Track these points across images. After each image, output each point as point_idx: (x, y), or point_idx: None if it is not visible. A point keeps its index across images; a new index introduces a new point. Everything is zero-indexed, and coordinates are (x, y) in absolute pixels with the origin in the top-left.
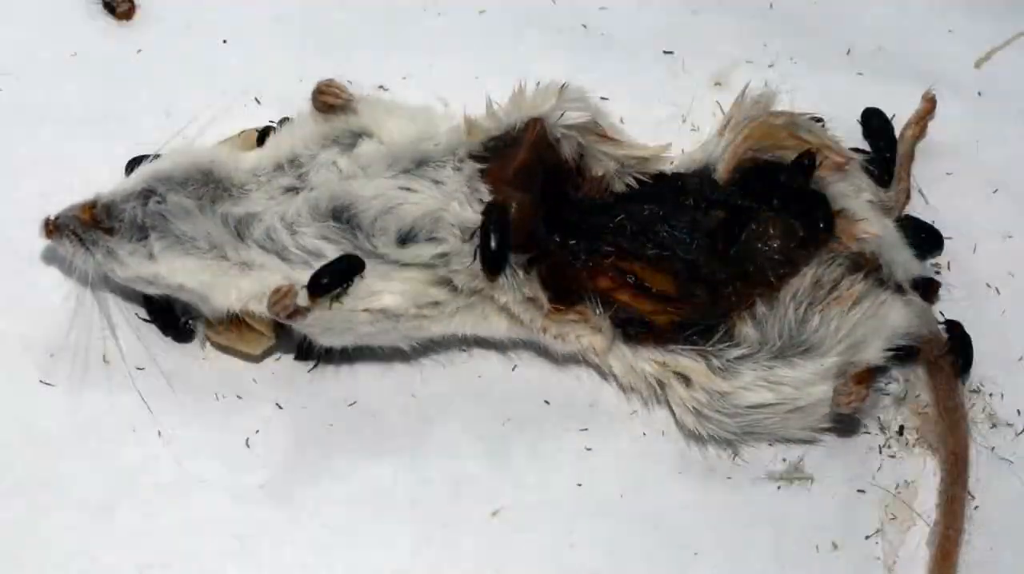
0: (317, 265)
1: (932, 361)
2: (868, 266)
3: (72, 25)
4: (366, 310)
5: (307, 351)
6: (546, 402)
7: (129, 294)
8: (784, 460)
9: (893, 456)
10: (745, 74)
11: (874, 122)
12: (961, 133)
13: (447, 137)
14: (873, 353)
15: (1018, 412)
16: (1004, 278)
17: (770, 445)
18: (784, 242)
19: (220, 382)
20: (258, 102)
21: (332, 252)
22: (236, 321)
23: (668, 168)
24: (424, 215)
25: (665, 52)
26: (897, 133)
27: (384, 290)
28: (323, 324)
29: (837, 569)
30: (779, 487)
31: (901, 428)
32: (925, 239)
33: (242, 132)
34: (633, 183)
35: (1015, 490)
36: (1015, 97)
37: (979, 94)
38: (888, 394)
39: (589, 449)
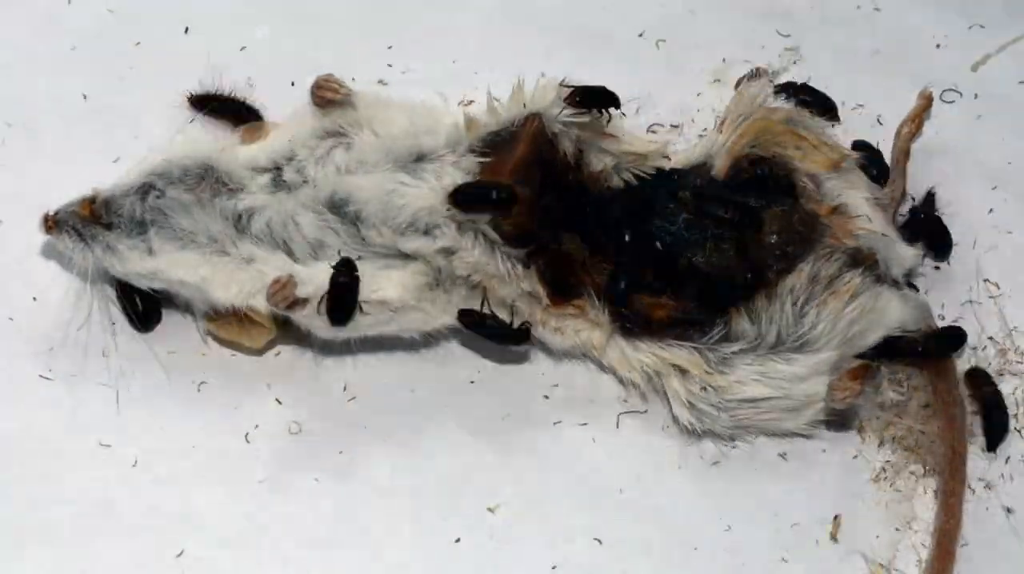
0: (318, 257)
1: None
2: (865, 262)
3: (70, 19)
4: (365, 301)
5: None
6: (545, 397)
7: None
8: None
9: (891, 452)
10: (743, 72)
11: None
12: (959, 133)
13: (446, 132)
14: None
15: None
16: (1004, 273)
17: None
18: (781, 237)
19: (219, 376)
20: (255, 96)
21: (333, 244)
22: (237, 315)
23: (666, 164)
24: (423, 209)
25: (663, 49)
26: (892, 134)
27: (384, 282)
28: (322, 316)
29: (836, 563)
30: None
31: (898, 423)
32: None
33: (242, 126)
34: (631, 179)
35: (1013, 486)
36: (1011, 99)
37: (976, 96)
38: (885, 391)
39: (588, 444)
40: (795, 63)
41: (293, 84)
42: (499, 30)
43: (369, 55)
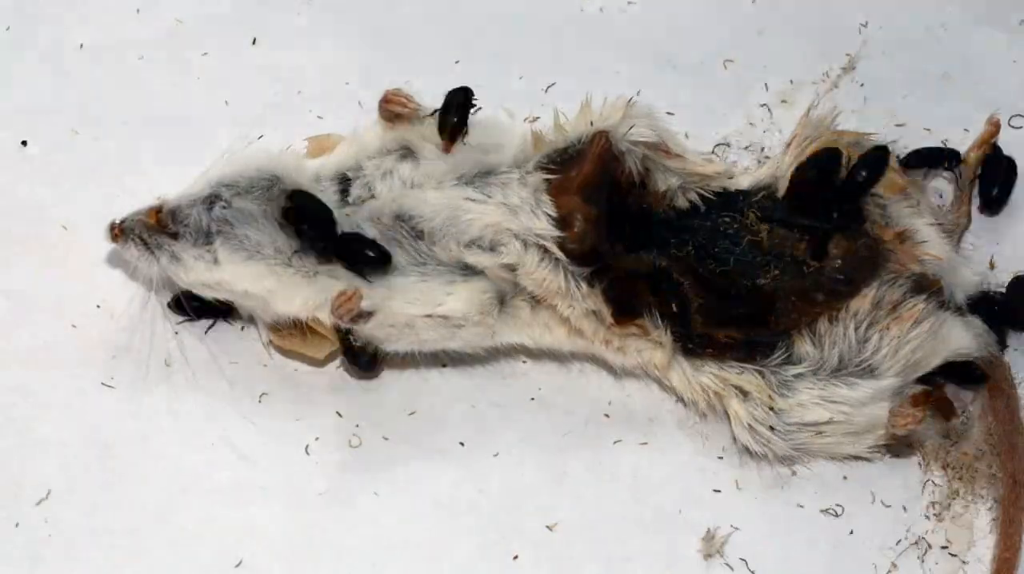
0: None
1: (991, 383)
2: (930, 288)
3: (138, 28)
4: (428, 315)
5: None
6: (606, 415)
7: None
8: None
9: (951, 478)
10: (811, 94)
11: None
12: None
13: (513, 149)
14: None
15: None
16: None
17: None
18: (845, 261)
19: (281, 388)
20: (322, 113)
21: (398, 257)
22: (300, 326)
23: (732, 185)
24: (488, 226)
25: (730, 70)
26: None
27: (447, 297)
28: (385, 329)
29: None
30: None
31: (959, 450)
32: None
33: (308, 138)
34: (696, 199)
35: None
36: None
37: None
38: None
39: (647, 463)
40: (862, 85)
41: (360, 93)
42: (566, 47)
43: (435, 70)
